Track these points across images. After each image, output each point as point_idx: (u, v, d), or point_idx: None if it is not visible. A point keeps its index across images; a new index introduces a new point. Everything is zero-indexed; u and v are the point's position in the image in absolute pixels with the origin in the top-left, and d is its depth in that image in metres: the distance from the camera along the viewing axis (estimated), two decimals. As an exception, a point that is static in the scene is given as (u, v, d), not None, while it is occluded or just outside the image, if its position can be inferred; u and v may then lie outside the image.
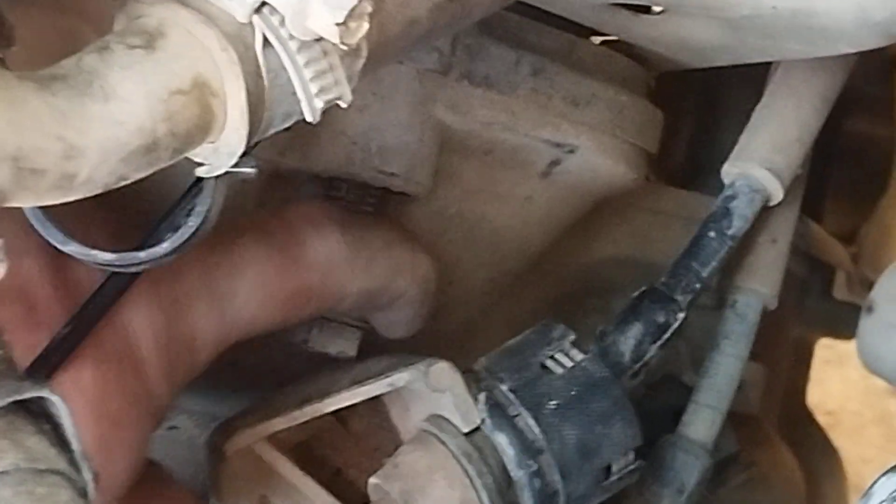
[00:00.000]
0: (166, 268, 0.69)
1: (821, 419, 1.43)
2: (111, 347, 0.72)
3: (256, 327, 0.82)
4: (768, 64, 1.00)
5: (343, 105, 0.59)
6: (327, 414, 0.86)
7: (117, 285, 0.70)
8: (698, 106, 1.16)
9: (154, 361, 0.75)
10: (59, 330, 0.69)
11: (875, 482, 0.68)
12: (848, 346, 2.05)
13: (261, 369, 0.94)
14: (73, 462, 0.56)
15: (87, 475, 0.56)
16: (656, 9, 0.83)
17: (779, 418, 1.25)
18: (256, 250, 0.81)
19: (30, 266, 0.70)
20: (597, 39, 0.94)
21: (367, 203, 0.87)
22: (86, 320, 0.70)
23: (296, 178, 0.86)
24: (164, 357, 0.75)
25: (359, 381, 0.84)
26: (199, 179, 0.64)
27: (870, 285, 1.07)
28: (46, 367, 0.67)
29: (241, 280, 0.79)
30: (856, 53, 0.89)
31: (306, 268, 0.81)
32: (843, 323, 1.30)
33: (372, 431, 0.93)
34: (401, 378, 0.82)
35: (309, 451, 0.92)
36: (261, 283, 0.80)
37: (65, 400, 0.56)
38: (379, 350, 0.89)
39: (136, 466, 0.75)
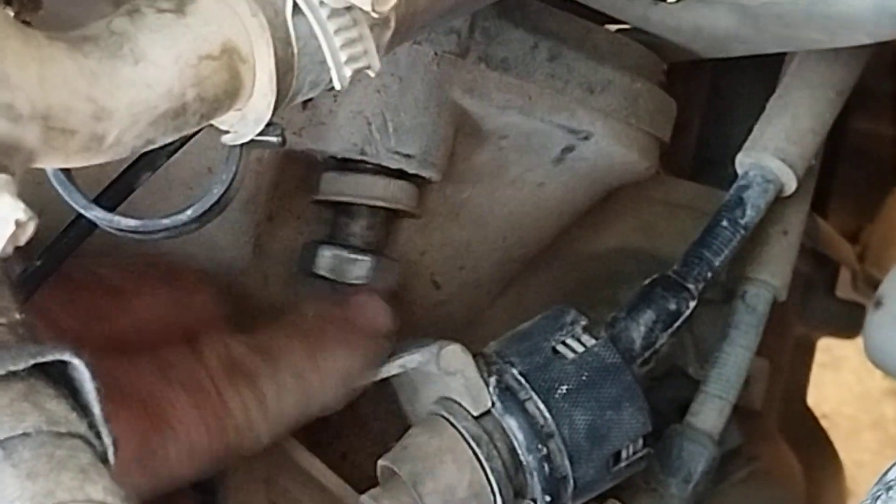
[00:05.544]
0: None
1: (816, 423, 1.43)
2: None
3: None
4: (779, 58, 1.00)
5: (371, 74, 0.59)
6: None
7: (84, 227, 0.69)
8: (707, 99, 1.16)
9: None
10: (31, 264, 0.68)
11: (891, 466, 0.68)
12: (844, 350, 2.07)
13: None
14: (92, 426, 0.56)
15: (108, 440, 0.56)
16: (675, -4, 0.83)
17: (779, 417, 1.25)
18: (186, 405, 0.75)
19: None
20: (612, 27, 0.94)
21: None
22: (55, 255, 0.69)
23: (311, 159, 0.86)
24: None
25: (369, 363, 0.84)
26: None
27: (874, 284, 1.08)
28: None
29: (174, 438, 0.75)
30: (871, 47, 0.89)
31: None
32: (846, 322, 1.31)
33: (379, 416, 0.93)
34: (412, 360, 0.82)
35: (315, 433, 0.92)
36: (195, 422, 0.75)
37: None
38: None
39: None
